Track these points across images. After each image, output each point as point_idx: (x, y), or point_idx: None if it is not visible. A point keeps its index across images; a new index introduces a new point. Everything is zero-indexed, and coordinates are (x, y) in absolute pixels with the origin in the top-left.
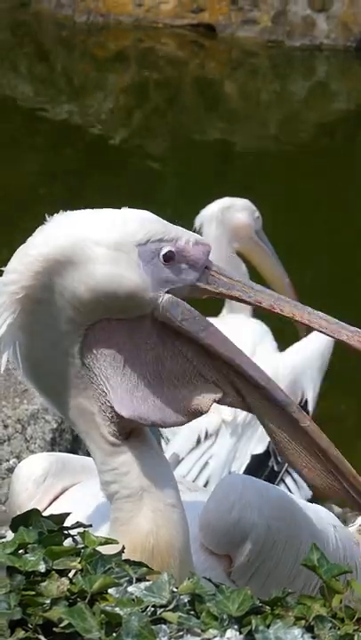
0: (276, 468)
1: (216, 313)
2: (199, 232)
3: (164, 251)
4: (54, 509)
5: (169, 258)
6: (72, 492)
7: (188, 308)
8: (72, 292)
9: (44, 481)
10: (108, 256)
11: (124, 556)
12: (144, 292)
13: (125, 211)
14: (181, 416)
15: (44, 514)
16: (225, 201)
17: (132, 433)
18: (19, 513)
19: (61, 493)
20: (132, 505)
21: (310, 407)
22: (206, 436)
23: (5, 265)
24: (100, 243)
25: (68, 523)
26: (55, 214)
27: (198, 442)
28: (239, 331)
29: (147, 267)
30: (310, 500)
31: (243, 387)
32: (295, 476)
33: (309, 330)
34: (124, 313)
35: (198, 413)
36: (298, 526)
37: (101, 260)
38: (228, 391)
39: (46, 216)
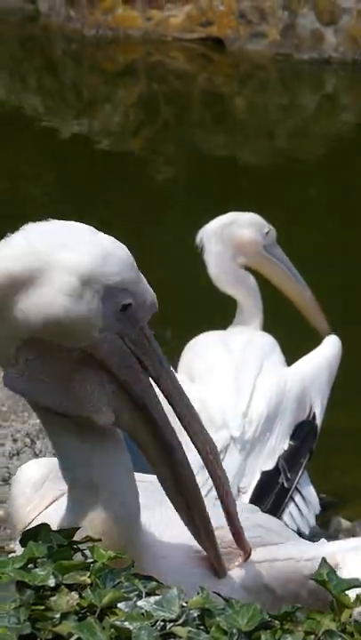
0: (286, 485)
1: (225, 325)
2: (201, 248)
3: (126, 302)
4: (46, 513)
5: (125, 309)
6: (59, 501)
7: (129, 354)
8: (23, 312)
9: (41, 487)
10: (75, 288)
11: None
12: (93, 332)
13: (105, 242)
14: (71, 409)
15: (39, 519)
16: (227, 217)
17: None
18: (16, 516)
19: (59, 497)
20: (86, 499)
21: (318, 420)
22: None
23: None
24: (71, 272)
25: (57, 518)
26: (25, 225)
27: None
28: (247, 343)
29: (104, 308)
30: (318, 517)
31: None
32: (305, 493)
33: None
34: (61, 341)
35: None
36: None
37: (66, 291)
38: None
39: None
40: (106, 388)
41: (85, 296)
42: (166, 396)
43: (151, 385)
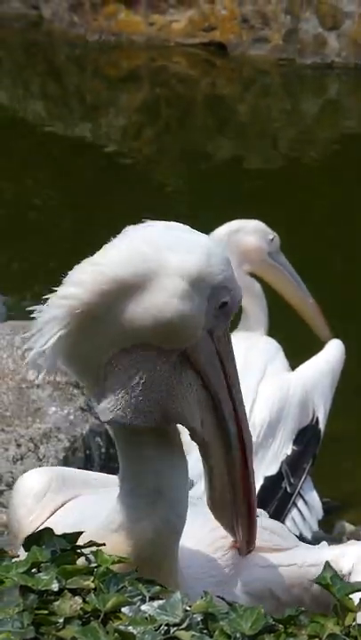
0: (288, 490)
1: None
2: None
3: (225, 300)
4: (49, 523)
5: (222, 306)
6: (68, 505)
7: (214, 352)
8: (132, 318)
9: (43, 496)
10: (185, 291)
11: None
12: (198, 331)
13: (206, 241)
14: (150, 422)
15: (42, 528)
16: (233, 224)
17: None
18: (17, 527)
19: (61, 507)
20: (143, 506)
21: (321, 425)
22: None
23: (13, 286)
24: (182, 275)
25: (61, 523)
26: (127, 227)
27: None
28: (251, 348)
29: (208, 307)
30: (320, 522)
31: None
32: (307, 498)
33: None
34: (167, 343)
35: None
36: None
37: (179, 294)
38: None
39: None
40: (198, 394)
41: (195, 297)
42: (230, 396)
43: (227, 385)
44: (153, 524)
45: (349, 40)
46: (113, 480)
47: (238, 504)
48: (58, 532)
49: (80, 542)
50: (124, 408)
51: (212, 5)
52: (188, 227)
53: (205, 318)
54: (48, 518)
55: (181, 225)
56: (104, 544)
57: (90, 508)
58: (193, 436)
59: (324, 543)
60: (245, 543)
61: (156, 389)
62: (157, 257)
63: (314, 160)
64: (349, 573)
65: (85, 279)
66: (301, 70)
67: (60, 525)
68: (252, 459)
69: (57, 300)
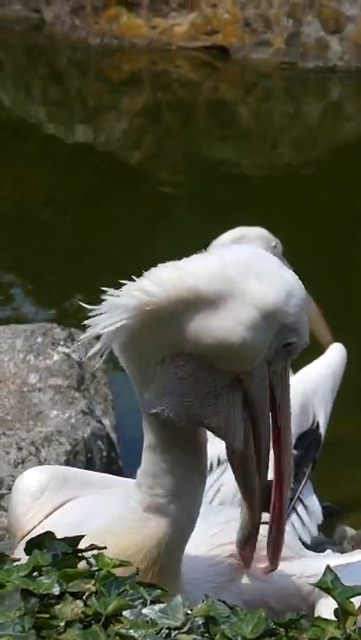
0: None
1: None
2: None
3: (291, 341)
4: (48, 521)
5: (286, 346)
6: (68, 505)
7: (266, 381)
8: (197, 331)
9: (41, 495)
10: (256, 323)
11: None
12: (257, 361)
13: (291, 280)
14: (190, 423)
15: (40, 527)
16: (237, 231)
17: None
18: (15, 525)
19: (60, 507)
20: (158, 506)
21: (322, 429)
22: (219, 463)
23: (15, 289)
24: (258, 307)
25: (61, 523)
26: (216, 242)
27: (211, 469)
28: None
29: (271, 343)
30: (321, 526)
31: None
32: (307, 502)
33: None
34: (222, 365)
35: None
36: None
37: (248, 323)
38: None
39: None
40: (243, 414)
41: (263, 330)
42: (275, 425)
43: (273, 418)
44: (165, 524)
45: (352, 44)
46: (115, 481)
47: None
48: (58, 531)
49: (87, 541)
50: (168, 405)
51: (214, 9)
52: (278, 260)
53: (268, 352)
54: (46, 517)
55: (273, 257)
56: (105, 547)
57: (91, 507)
58: (231, 456)
59: (328, 551)
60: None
61: (204, 399)
62: (241, 282)
63: (316, 164)
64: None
65: (165, 280)
66: (304, 74)
67: (60, 525)
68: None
69: (131, 290)
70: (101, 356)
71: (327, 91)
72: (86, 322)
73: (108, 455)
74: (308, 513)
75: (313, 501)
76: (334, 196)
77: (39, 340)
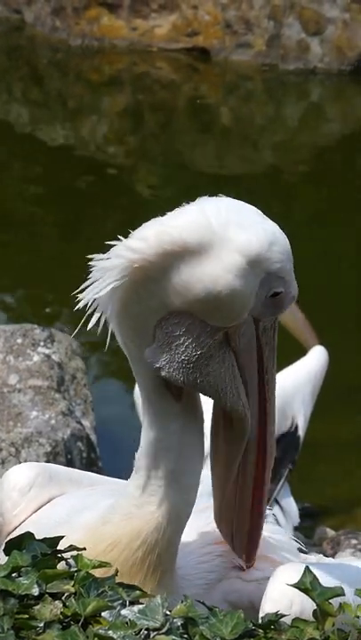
0: None
1: None
2: None
3: (278, 290)
4: (37, 517)
5: (274, 296)
6: (56, 501)
7: (255, 340)
8: (186, 283)
9: (29, 490)
10: (241, 268)
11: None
12: (244, 313)
13: (274, 228)
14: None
15: (27, 523)
16: None
17: (184, 394)
18: (1, 521)
19: (47, 503)
20: (155, 489)
21: (301, 432)
22: None
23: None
24: (242, 253)
25: (49, 518)
26: (202, 199)
27: None
28: None
29: (258, 292)
30: (297, 527)
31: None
32: (283, 504)
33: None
34: (212, 319)
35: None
36: None
37: (233, 270)
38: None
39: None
40: (235, 378)
41: (249, 278)
42: (261, 397)
43: (260, 376)
44: (162, 508)
45: (332, 46)
46: (101, 480)
47: (243, 515)
48: (47, 526)
49: (82, 533)
50: (168, 363)
51: (195, 10)
52: (260, 211)
53: (254, 302)
54: (33, 513)
55: (254, 208)
56: (84, 548)
57: (81, 502)
58: (216, 420)
59: (320, 556)
60: (244, 558)
61: (199, 358)
62: (224, 231)
63: (297, 165)
64: None
65: (150, 236)
66: (284, 76)
67: (48, 520)
68: (270, 470)
69: (119, 251)
70: (99, 326)
71: (308, 92)
72: (78, 294)
73: (87, 456)
74: (284, 515)
75: (289, 503)
76: (315, 197)
77: (19, 340)
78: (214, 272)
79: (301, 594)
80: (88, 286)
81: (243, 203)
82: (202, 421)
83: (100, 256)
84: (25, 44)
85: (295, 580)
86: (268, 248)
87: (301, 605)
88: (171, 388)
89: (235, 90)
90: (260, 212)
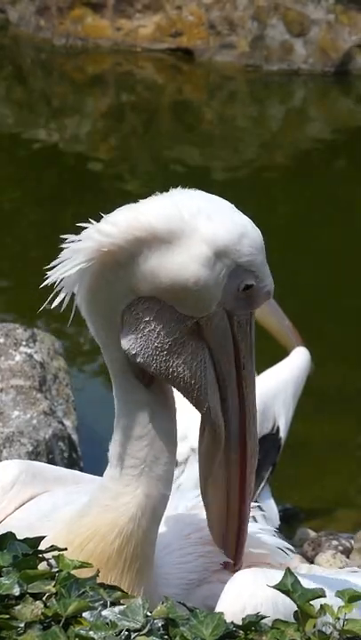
0: None
1: None
2: None
3: (249, 283)
4: (18, 514)
5: (245, 289)
6: (38, 498)
7: (229, 336)
8: (153, 270)
9: (11, 488)
10: (208, 259)
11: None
12: (212, 304)
13: (245, 222)
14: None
15: (8, 520)
16: None
17: (154, 381)
18: None
19: (29, 500)
20: (129, 479)
21: (282, 433)
22: (175, 465)
23: None
24: (209, 244)
25: (33, 515)
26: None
27: None
28: None
29: (227, 285)
30: (279, 529)
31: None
32: (263, 506)
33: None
34: (180, 307)
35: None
36: None
37: (200, 260)
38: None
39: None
40: (208, 373)
41: (216, 268)
42: (240, 392)
43: (237, 372)
44: (136, 498)
45: (316, 47)
46: (86, 478)
47: (229, 515)
48: (25, 522)
49: (60, 527)
50: (144, 349)
51: (179, 11)
52: (232, 205)
53: (223, 294)
54: (16, 510)
55: (227, 202)
56: (66, 549)
57: (63, 499)
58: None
59: (313, 566)
60: (231, 559)
61: (171, 346)
62: (193, 221)
63: (280, 166)
64: None
65: (121, 221)
66: (268, 77)
67: (29, 516)
68: (254, 466)
69: (90, 233)
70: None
71: (291, 94)
72: (48, 272)
73: (69, 456)
74: (264, 517)
75: (270, 505)
76: (298, 197)
77: (1, 340)
78: (181, 261)
79: (256, 599)
80: (57, 265)
81: (214, 196)
82: (173, 409)
83: (72, 237)
84: (9, 43)
85: (251, 584)
86: (237, 240)
87: (254, 610)
88: (141, 375)
89: (218, 90)
90: (233, 206)
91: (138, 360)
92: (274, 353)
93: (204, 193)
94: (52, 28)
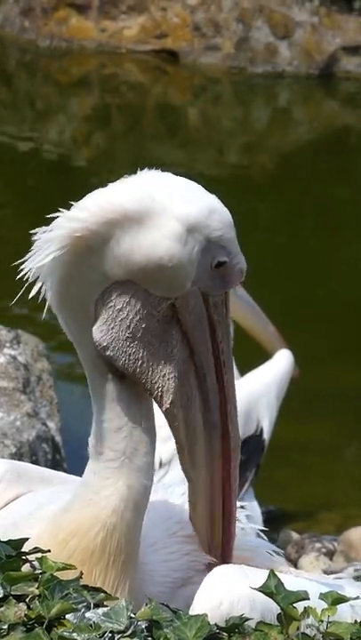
0: None
1: None
2: None
3: (222, 259)
4: (3, 513)
5: (218, 267)
6: (23, 497)
7: (205, 316)
8: (126, 252)
9: None
10: (180, 235)
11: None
12: (187, 282)
13: (213, 200)
14: (131, 365)
15: None
16: None
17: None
18: None
19: (15, 499)
20: (109, 472)
21: (266, 435)
22: (160, 465)
23: None
24: (180, 220)
25: (17, 512)
26: (136, 173)
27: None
28: None
29: (200, 261)
30: (264, 531)
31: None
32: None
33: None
34: (155, 287)
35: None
36: None
37: (171, 236)
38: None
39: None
40: (181, 363)
41: (188, 244)
42: (218, 377)
43: (215, 357)
44: (118, 490)
45: (301, 49)
46: (71, 479)
47: (215, 513)
48: (9, 520)
49: (44, 524)
50: (114, 341)
51: (163, 12)
52: (202, 187)
53: (197, 271)
54: (0, 508)
55: (195, 183)
56: (49, 550)
57: (47, 497)
58: (166, 414)
59: (299, 571)
60: (220, 558)
61: (143, 335)
62: (164, 199)
63: (264, 168)
64: None
65: (91, 205)
66: (252, 79)
67: (12, 515)
68: (238, 460)
69: (60, 222)
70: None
71: (276, 96)
72: (22, 265)
73: (53, 458)
74: (247, 518)
75: (253, 507)
76: (282, 199)
77: None
78: (154, 239)
79: (232, 595)
80: (30, 257)
81: (183, 178)
82: (150, 399)
83: (43, 229)
84: None
85: (227, 579)
86: (207, 215)
87: (230, 606)
88: (114, 368)
89: (203, 92)
90: (200, 186)
91: (107, 353)
92: (257, 355)
93: (171, 174)
94: (36, 30)
